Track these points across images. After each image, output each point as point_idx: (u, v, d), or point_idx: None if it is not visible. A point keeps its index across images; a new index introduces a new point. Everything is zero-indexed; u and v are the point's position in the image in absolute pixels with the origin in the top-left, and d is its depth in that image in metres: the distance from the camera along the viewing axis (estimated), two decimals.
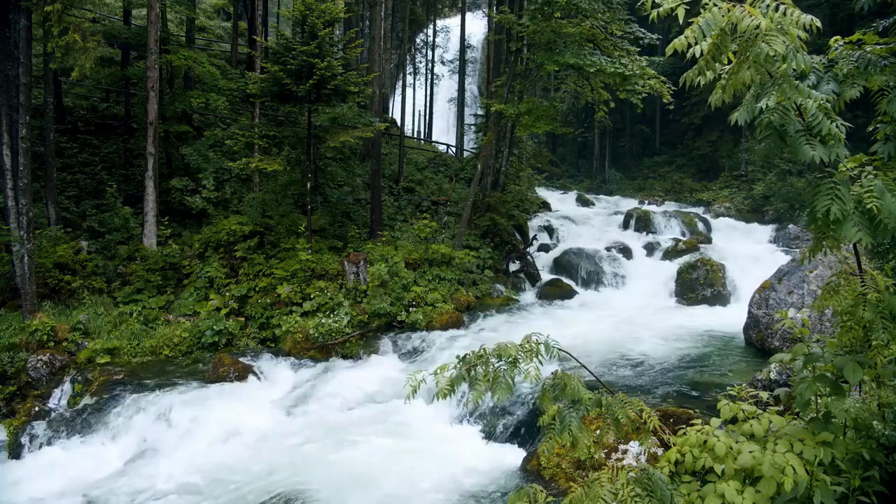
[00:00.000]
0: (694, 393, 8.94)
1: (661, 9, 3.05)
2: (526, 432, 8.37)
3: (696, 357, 11.06)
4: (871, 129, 3.83)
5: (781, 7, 3.04)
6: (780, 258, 17.33)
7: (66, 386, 10.47)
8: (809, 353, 3.67)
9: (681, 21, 3.00)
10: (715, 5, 3.02)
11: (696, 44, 3.02)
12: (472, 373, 3.68)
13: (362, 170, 19.76)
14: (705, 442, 3.56)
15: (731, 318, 12.92)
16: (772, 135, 3.17)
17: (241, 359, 11.03)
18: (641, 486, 3.27)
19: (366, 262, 13.81)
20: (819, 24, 3.07)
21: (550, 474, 7.07)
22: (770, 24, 2.93)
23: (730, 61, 3.18)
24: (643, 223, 23.89)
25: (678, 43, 3.06)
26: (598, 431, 6.41)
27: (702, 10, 3.03)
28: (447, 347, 11.94)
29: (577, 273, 18.48)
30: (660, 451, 5.55)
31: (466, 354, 3.82)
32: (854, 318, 3.45)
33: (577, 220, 24.75)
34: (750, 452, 3.38)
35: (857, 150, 3.70)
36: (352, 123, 15.17)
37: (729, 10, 2.98)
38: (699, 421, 3.87)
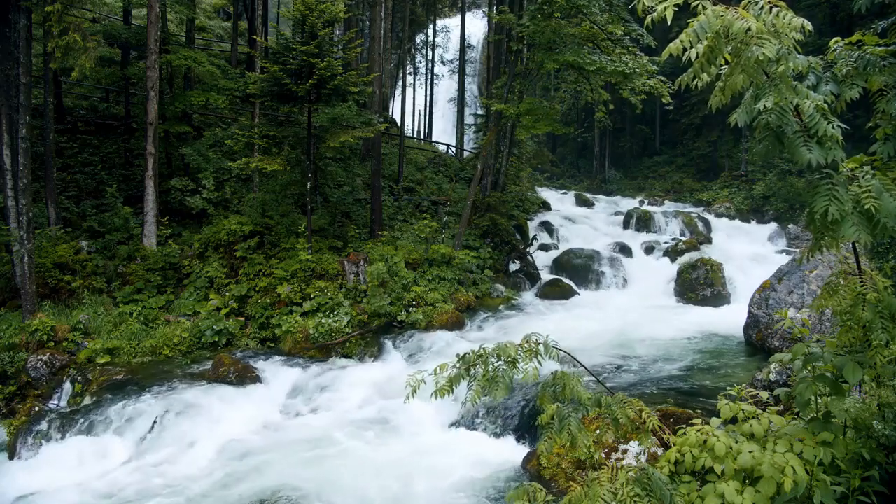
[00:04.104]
0: (694, 393, 8.94)
1: (654, 14, 3.05)
2: (526, 432, 8.38)
3: (696, 357, 11.07)
4: (870, 125, 3.83)
5: (774, 10, 3.04)
6: (780, 258, 17.35)
7: (66, 386, 10.47)
8: (809, 353, 3.67)
9: (669, 22, 3.00)
10: (708, 8, 3.02)
11: (691, 47, 3.02)
12: (472, 372, 3.68)
13: (362, 170, 19.77)
14: (705, 442, 3.56)
15: (731, 318, 12.92)
16: (769, 136, 3.17)
17: (241, 359, 11.04)
18: (641, 485, 3.27)
19: (366, 261, 13.81)
20: (810, 26, 3.07)
21: (550, 474, 7.07)
22: (761, 27, 2.93)
23: (727, 62, 3.19)
24: (643, 223, 23.91)
25: (673, 47, 3.06)
26: (597, 431, 6.42)
27: (699, 11, 3.03)
28: (447, 347, 11.94)
29: (577, 273, 18.48)
30: (660, 451, 5.56)
31: (466, 354, 3.83)
32: (853, 318, 3.45)
33: (577, 220, 24.77)
34: (750, 452, 3.38)
35: (858, 150, 3.70)
36: (351, 123, 15.17)
37: (722, 13, 2.98)
38: (699, 421, 3.87)
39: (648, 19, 3.10)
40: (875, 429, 3.57)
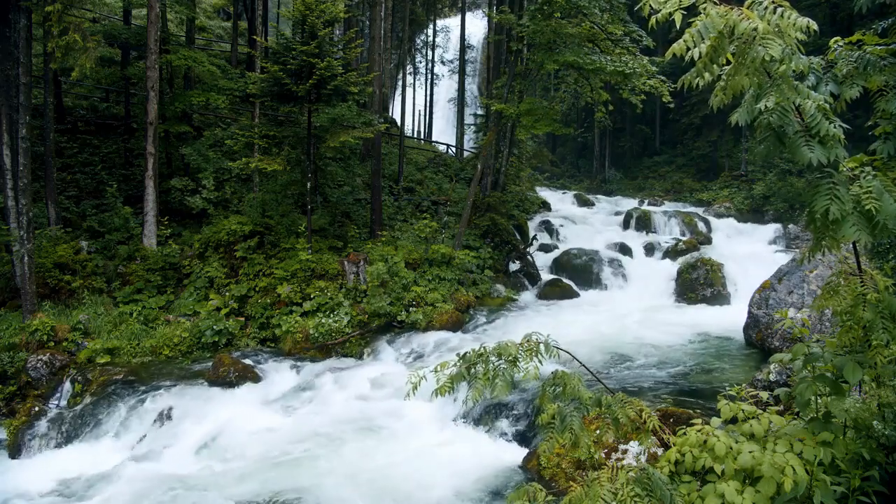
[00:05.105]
0: (694, 393, 8.94)
1: (658, 15, 3.05)
2: (526, 432, 8.37)
3: (696, 357, 11.07)
4: (870, 123, 3.83)
5: (779, 10, 3.03)
6: (780, 258, 17.33)
7: (67, 386, 10.47)
8: (809, 353, 3.67)
9: (678, 26, 2.99)
10: (713, 5, 3.01)
11: (694, 46, 3.02)
12: (472, 371, 3.69)
13: (362, 170, 19.77)
14: (705, 442, 3.56)
15: (731, 318, 12.91)
16: (771, 136, 3.17)
17: (241, 359, 11.03)
18: (641, 485, 3.27)
19: (366, 261, 13.81)
20: (816, 27, 3.07)
21: (550, 474, 7.07)
22: (767, 28, 2.93)
23: (728, 62, 3.18)
24: (643, 223, 23.90)
25: (677, 47, 3.06)
26: (597, 431, 6.43)
27: (701, 12, 3.03)
28: (447, 347, 11.94)
29: (577, 273, 18.48)
30: (660, 451, 5.56)
31: (467, 352, 3.83)
32: (854, 318, 3.45)
33: (577, 220, 24.77)
34: (750, 452, 3.38)
35: (858, 150, 3.70)
36: (352, 123, 15.17)
37: (726, 13, 2.97)
38: (699, 421, 3.87)
39: (653, 20, 3.09)
40: (875, 429, 3.58)
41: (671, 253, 19.84)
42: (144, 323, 12.24)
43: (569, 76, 22.10)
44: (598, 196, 34.69)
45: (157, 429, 9.03)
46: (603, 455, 6.84)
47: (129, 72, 17.35)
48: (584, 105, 34.26)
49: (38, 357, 10.76)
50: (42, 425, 9.33)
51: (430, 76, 39.12)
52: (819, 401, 3.58)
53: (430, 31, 39.71)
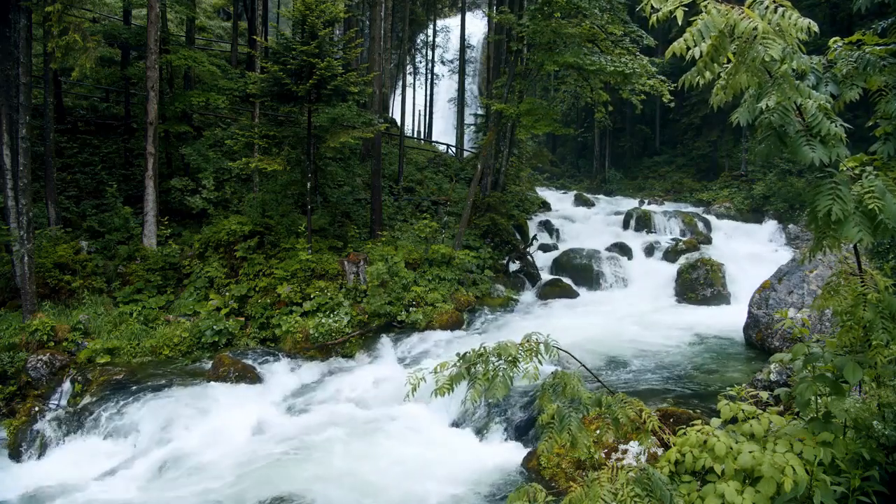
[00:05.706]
0: (694, 393, 8.94)
1: (659, 13, 3.04)
2: (526, 432, 8.37)
3: (696, 357, 11.07)
4: (870, 123, 3.82)
5: (780, 9, 3.03)
6: (780, 258, 17.34)
7: (66, 386, 10.47)
8: (809, 353, 3.67)
9: (680, 23, 2.99)
10: (714, 8, 3.01)
11: (695, 45, 3.01)
12: (472, 371, 3.68)
13: (362, 170, 19.77)
14: (705, 442, 3.56)
15: (731, 318, 12.92)
16: (772, 135, 3.16)
17: (241, 359, 11.03)
18: (641, 485, 3.27)
19: (366, 261, 13.81)
20: (817, 28, 3.06)
21: (550, 474, 7.07)
22: (767, 28, 2.92)
23: (729, 61, 3.18)
24: (643, 223, 23.88)
25: (677, 46, 3.05)
26: (597, 431, 6.42)
27: (702, 10, 3.03)
28: (447, 347, 11.95)
29: (577, 273, 18.48)
30: (660, 451, 5.56)
31: (467, 352, 3.83)
32: (854, 318, 3.45)
33: (577, 220, 24.77)
34: (750, 452, 3.38)
35: (858, 150, 3.70)
36: (352, 123, 15.17)
37: (727, 12, 2.97)
38: (699, 421, 3.87)
39: (654, 18, 3.08)
40: (875, 429, 3.57)
41: (671, 253, 19.83)
42: (144, 323, 12.24)
43: (569, 76, 22.09)
44: (598, 196, 34.68)
45: (156, 429, 9.02)
46: (603, 455, 6.84)
47: (129, 72, 17.35)
48: (584, 105, 34.25)
49: (38, 357, 10.76)
50: (42, 425, 9.32)
51: (430, 76, 39.12)
52: (819, 401, 3.58)
53: (430, 31, 39.70)
